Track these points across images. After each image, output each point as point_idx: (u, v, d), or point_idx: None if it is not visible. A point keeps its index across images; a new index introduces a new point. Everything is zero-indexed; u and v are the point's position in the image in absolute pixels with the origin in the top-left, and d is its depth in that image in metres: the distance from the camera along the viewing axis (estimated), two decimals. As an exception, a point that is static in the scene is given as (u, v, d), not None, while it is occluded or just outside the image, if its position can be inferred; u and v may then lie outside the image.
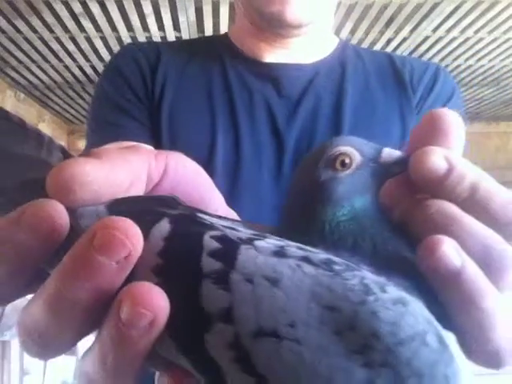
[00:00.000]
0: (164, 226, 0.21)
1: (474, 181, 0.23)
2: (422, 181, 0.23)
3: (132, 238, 0.19)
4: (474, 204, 0.23)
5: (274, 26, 0.65)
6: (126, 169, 0.23)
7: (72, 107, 2.89)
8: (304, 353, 0.18)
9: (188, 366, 0.20)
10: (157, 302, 0.19)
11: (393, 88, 0.70)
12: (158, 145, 0.64)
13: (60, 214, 0.20)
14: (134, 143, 0.24)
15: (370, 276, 0.20)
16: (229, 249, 0.20)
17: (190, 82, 0.69)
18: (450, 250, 0.21)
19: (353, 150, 0.25)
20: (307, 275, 0.20)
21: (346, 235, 0.23)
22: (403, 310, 0.19)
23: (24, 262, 0.21)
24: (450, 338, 0.21)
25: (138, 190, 0.24)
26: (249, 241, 0.21)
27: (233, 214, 0.29)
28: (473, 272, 0.21)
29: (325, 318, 0.19)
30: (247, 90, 0.68)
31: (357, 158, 0.24)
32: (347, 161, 0.24)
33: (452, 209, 0.23)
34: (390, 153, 0.25)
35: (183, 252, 0.21)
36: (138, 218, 0.20)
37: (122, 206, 0.22)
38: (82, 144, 3.34)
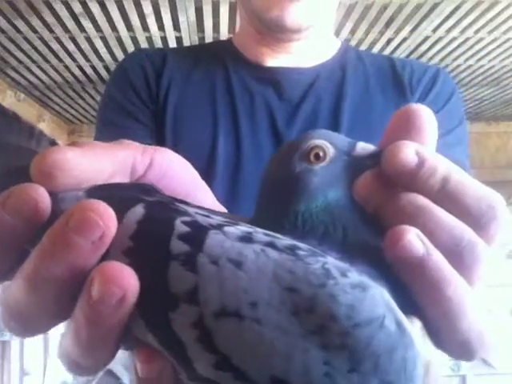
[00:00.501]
0: (138, 211, 0.22)
1: (446, 174, 0.23)
2: (394, 174, 0.24)
3: (106, 219, 0.20)
4: (446, 196, 0.23)
5: (275, 31, 0.67)
6: (108, 158, 0.24)
7: (72, 107, 2.88)
8: (264, 332, 0.19)
9: (155, 343, 0.21)
10: (126, 280, 0.20)
11: (392, 90, 0.71)
12: (161, 146, 0.65)
13: (42, 197, 0.21)
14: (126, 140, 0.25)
15: (332, 261, 0.21)
16: (198, 233, 0.21)
17: (194, 86, 0.70)
18: (413, 239, 0.22)
19: (327, 143, 0.25)
20: (270, 259, 0.21)
21: (318, 225, 0.24)
22: (362, 294, 0.20)
23: (8, 242, 0.22)
24: (413, 324, 0.22)
25: (122, 181, 0.26)
26: (218, 226, 0.22)
27: (222, 210, 0.30)
28: (437, 260, 0.22)
29: (285, 299, 0.20)
30: (249, 93, 0.69)
31: (330, 151, 0.25)
32: (321, 154, 0.25)
33: (422, 201, 0.23)
34: (364, 147, 0.26)
35: (153, 235, 0.22)
36: (115, 203, 0.21)
37: (101, 192, 0.23)
38: (82, 144, 3.33)
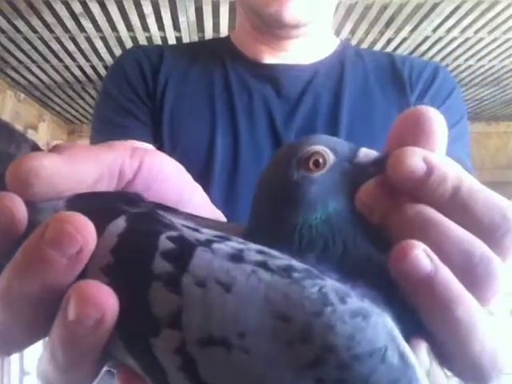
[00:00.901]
0: (120, 223, 0.20)
1: (456, 182, 0.22)
2: (400, 182, 0.22)
3: (84, 233, 0.19)
4: (457, 207, 0.22)
5: (273, 27, 0.66)
6: (90, 164, 0.23)
7: (72, 107, 2.89)
8: (253, 364, 0.18)
9: (136, 367, 0.20)
10: (104, 300, 0.19)
11: (392, 87, 0.71)
12: (159, 145, 0.65)
13: (17, 207, 0.20)
14: (116, 141, 0.25)
15: (331, 284, 0.19)
16: (184, 250, 0.20)
17: (191, 83, 0.70)
18: (420, 255, 0.20)
19: (327, 149, 0.23)
20: (262, 281, 0.19)
21: (317, 239, 0.22)
22: (362, 323, 0.18)
23: None
24: (420, 348, 0.20)
25: (109, 186, 0.24)
26: (207, 243, 0.20)
27: (218, 214, 0.29)
28: (446, 278, 0.20)
29: (277, 328, 0.18)
30: (247, 90, 0.69)
31: (331, 157, 0.23)
32: (321, 160, 0.23)
33: (431, 212, 0.22)
34: (367, 153, 0.24)
35: (135, 251, 0.20)
36: (96, 215, 0.20)
37: (82, 202, 0.21)
38: (81, 144, 3.33)
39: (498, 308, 0.24)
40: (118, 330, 0.19)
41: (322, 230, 0.22)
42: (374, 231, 0.22)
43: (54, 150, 0.22)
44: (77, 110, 2.97)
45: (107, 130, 0.67)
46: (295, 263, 0.20)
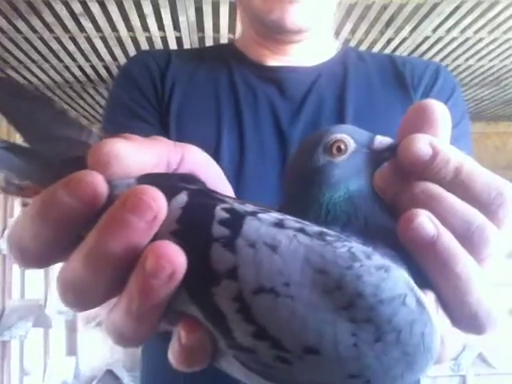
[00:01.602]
0: (182, 198, 0.25)
1: (458, 164, 0.25)
2: (409, 165, 0.26)
3: (158, 202, 0.23)
4: (459, 185, 0.25)
5: (276, 33, 0.68)
6: (151, 151, 0.27)
7: (72, 107, 2.88)
8: (297, 308, 0.22)
9: (199, 314, 0.24)
10: (176, 257, 0.22)
11: (394, 87, 0.71)
12: None
13: (100, 182, 0.23)
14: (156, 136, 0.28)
15: (357, 246, 0.23)
16: (236, 219, 0.24)
17: (197, 86, 0.71)
18: (424, 221, 0.24)
19: (348, 137, 0.28)
20: (302, 244, 0.23)
21: (341, 215, 0.26)
22: (385, 275, 0.22)
23: (67, 223, 0.24)
24: (429, 299, 0.24)
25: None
26: (253, 213, 0.24)
27: None
28: (447, 240, 0.24)
29: (316, 280, 0.22)
30: (252, 91, 0.70)
31: (351, 144, 0.27)
32: (342, 147, 0.27)
33: (436, 189, 0.25)
34: (382, 140, 0.28)
35: (197, 220, 0.24)
36: (163, 190, 0.23)
37: (149, 180, 0.25)
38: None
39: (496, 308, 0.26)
40: (185, 283, 0.23)
41: (345, 206, 0.26)
42: (389, 207, 0.26)
43: (123, 137, 0.26)
44: (77, 110, 2.97)
45: (116, 131, 0.69)
46: (326, 229, 0.24)
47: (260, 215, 0.24)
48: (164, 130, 0.68)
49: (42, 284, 2.79)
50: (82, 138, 0.28)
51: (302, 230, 0.24)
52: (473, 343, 2.92)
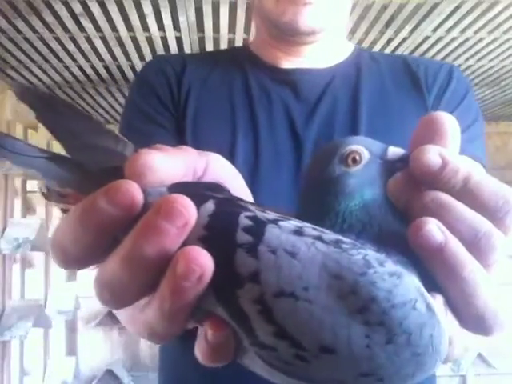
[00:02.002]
0: (209, 206, 0.27)
1: (467, 174, 0.27)
2: (420, 175, 0.27)
3: (189, 210, 0.25)
4: (467, 194, 0.27)
5: (289, 35, 0.69)
6: (180, 161, 0.29)
7: (72, 107, 2.88)
8: (314, 310, 0.24)
9: (224, 314, 0.26)
10: (204, 261, 0.24)
11: (408, 89, 0.72)
12: None
13: (137, 191, 0.26)
14: (182, 146, 0.31)
15: (371, 253, 0.25)
16: (258, 226, 0.26)
17: (212, 89, 0.72)
18: (433, 228, 0.26)
19: (362, 148, 0.29)
20: (319, 251, 0.25)
21: (356, 223, 0.28)
22: (397, 281, 0.24)
23: (106, 228, 0.26)
24: (438, 302, 0.26)
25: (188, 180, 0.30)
26: (274, 221, 0.26)
27: None
28: (454, 247, 0.26)
29: (332, 285, 0.24)
30: (266, 94, 0.71)
31: (366, 155, 0.29)
32: (357, 158, 0.29)
33: (445, 198, 0.27)
34: (395, 151, 0.29)
35: (223, 227, 0.26)
36: (191, 198, 0.25)
37: (179, 189, 0.27)
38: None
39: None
40: (212, 285, 0.25)
41: (360, 215, 0.28)
42: (402, 215, 0.28)
43: (155, 149, 0.28)
44: (77, 110, 2.97)
45: (134, 137, 0.70)
46: (342, 237, 0.26)
47: (280, 223, 0.26)
48: (180, 135, 0.69)
49: (42, 284, 2.79)
50: (117, 149, 0.30)
51: (319, 238, 0.25)
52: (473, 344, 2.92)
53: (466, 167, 0.27)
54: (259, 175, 0.66)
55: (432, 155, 0.27)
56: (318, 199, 0.29)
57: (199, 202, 0.26)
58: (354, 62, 0.74)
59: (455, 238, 0.26)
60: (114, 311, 0.32)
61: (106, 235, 0.26)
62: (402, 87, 0.72)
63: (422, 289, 0.25)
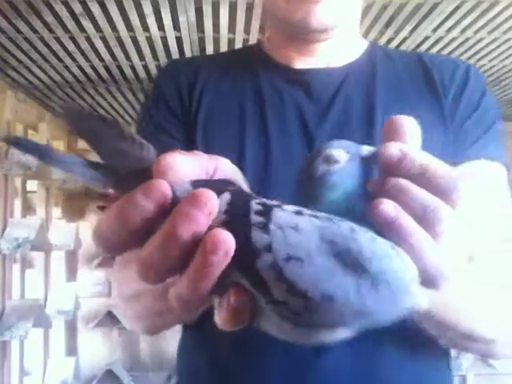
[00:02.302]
0: (226, 196, 0.33)
1: (422, 163, 0.34)
2: (385, 166, 0.34)
3: (213, 201, 0.31)
4: (423, 179, 0.34)
5: (302, 33, 0.69)
6: (196, 163, 0.35)
7: (72, 107, 2.88)
8: (315, 268, 0.31)
9: (245, 282, 0.32)
10: (228, 239, 0.30)
11: (423, 88, 0.72)
12: None
13: (167, 188, 0.32)
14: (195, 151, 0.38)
15: (355, 225, 0.32)
16: (267, 209, 0.33)
17: (223, 93, 0.73)
18: (386, 206, 0.32)
19: (341, 150, 0.37)
20: (315, 224, 0.32)
21: (340, 210, 0.35)
22: (375, 240, 0.32)
23: (143, 219, 0.32)
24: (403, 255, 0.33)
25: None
26: (279, 206, 0.33)
27: None
28: (404, 220, 0.32)
29: (327, 247, 0.31)
30: (278, 95, 0.71)
31: (344, 156, 0.36)
32: (337, 158, 0.36)
33: (404, 183, 0.34)
34: (368, 148, 0.37)
35: (239, 211, 0.33)
36: (212, 191, 0.31)
37: (201, 184, 0.33)
38: (81, 144, 3.33)
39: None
40: (234, 259, 0.31)
41: (342, 204, 0.35)
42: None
43: (175, 153, 0.34)
44: (77, 110, 2.96)
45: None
46: (331, 215, 0.33)
47: (284, 207, 0.33)
48: (191, 141, 0.71)
49: (42, 284, 2.79)
50: (143, 153, 0.36)
51: (314, 216, 0.33)
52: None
53: (422, 158, 0.34)
54: (270, 177, 0.66)
55: (393, 150, 0.34)
56: (308, 193, 0.37)
57: (218, 193, 0.32)
58: (369, 60, 0.74)
59: (405, 213, 0.33)
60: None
61: (142, 226, 0.32)
62: (418, 85, 0.72)
63: (393, 245, 0.32)
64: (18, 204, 2.57)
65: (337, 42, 0.72)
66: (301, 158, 0.66)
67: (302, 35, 0.70)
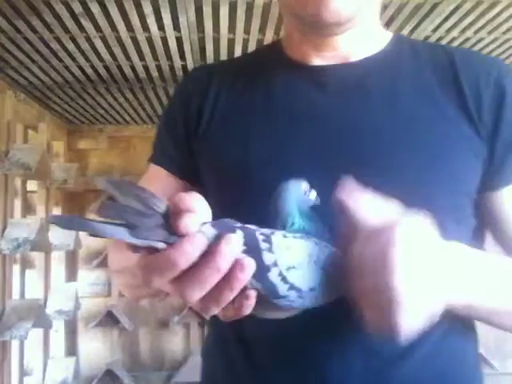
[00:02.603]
0: (240, 233, 0.45)
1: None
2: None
3: (238, 240, 0.44)
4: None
5: (315, 27, 0.67)
6: (203, 204, 0.45)
7: (72, 107, 2.88)
8: (305, 271, 0.48)
9: (261, 288, 0.46)
10: (250, 263, 0.44)
11: (448, 85, 0.68)
12: (207, 166, 0.75)
13: (205, 240, 0.43)
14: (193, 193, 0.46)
15: (317, 240, 0.51)
16: (267, 237, 0.47)
17: (236, 96, 0.74)
18: None
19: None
20: (299, 243, 0.49)
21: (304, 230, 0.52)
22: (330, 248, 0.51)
23: (188, 262, 0.43)
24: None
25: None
26: (272, 233, 0.48)
27: None
28: None
29: (309, 258, 0.49)
30: (290, 93, 0.70)
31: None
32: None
33: None
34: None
35: (252, 242, 0.46)
36: (228, 230, 0.44)
37: (220, 226, 0.45)
38: (81, 144, 3.33)
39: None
40: (252, 275, 0.44)
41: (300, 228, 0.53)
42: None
43: (189, 197, 0.44)
44: (77, 110, 2.97)
45: (155, 154, 0.82)
46: (304, 235, 0.51)
47: (275, 233, 0.48)
48: (201, 151, 0.74)
49: (41, 284, 2.79)
50: (159, 207, 0.43)
51: (295, 237, 0.49)
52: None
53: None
54: (277, 174, 0.66)
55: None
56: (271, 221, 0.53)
57: (233, 231, 0.45)
58: (392, 54, 0.71)
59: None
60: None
61: (187, 266, 0.42)
62: (443, 83, 0.68)
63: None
64: (18, 204, 2.57)
65: (355, 34, 0.69)
66: (313, 159, 0.66)
67: (316, 30, 0.68)
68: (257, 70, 0.75)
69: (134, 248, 0.42)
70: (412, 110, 0.67)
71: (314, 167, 0.64)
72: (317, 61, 0.71)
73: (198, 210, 0.43)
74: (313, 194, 0.54)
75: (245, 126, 0.70)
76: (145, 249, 0.42)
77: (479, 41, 2.03)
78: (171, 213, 0.42)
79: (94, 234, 0.39)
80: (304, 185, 0.54)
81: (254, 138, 0.69)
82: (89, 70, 2.25)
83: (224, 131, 0.72)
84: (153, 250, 0.41)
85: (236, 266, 0.42)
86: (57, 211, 3.03)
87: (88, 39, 1.90)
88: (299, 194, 0.53)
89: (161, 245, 0.41)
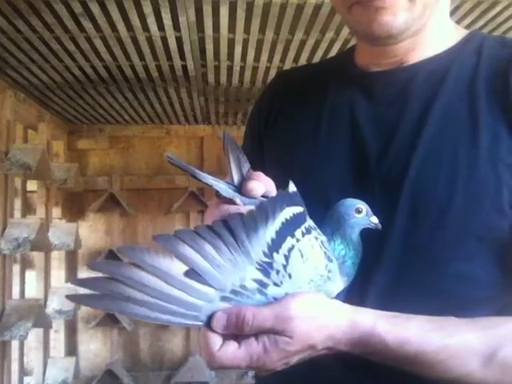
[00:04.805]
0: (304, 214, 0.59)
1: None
2: None
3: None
4: None
5: (370, 40, 0.69)
6: (268, 182, 0.57)
7: (72, 107, 2.88)
8: (306, 265, 0.56)
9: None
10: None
11: (500, 100, 0.63)
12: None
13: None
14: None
15: (329, 247, 0.60)
16: (308, 230, 0.58)
17: (298, 101, 0.80)
18: None
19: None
20: (311, 250, 0.57)
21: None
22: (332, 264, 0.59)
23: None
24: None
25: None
26: (307, 231, 0.57)
27: None
28: None
29: (316, 267, 0.57)
30: (339, 99, 0.74)
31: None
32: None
33: None
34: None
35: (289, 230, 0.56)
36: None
37: (267, 199, 0.58)
38: (81, 144, 3.33)
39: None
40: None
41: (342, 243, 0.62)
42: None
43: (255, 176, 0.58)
44: (77, 110, 2.97)
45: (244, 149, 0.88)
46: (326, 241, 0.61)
47: (312, 232, 0.58)
48: (271, 147, 0.81)
49: (41, 284, 2.79)
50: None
51: (318, 239, 0.58)
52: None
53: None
54: (314, 178, 0.71)
55: None
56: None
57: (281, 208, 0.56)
58: (448, 57, 0.69)
59: None
60: None
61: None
62: (494, 96, 0.63)
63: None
64: (18, 204, 2.57)
65: (415, 40, 0.68)
66: (348, 165, 0.70)
67: (371, 42, 0.70)
68: (319, 81, 0.79)
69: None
70: (446, 123, 0.64)
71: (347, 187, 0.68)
72: (374, 67, 0.73)
73: (263, 181, 0.56)
74: (374, 219, 0.61)
75: (296, 134, 0.77)
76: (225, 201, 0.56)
77: (479, 41, 2.02)
78: (244, 180, 0.57)
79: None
80: (364, 206, 0.61)
81: (299, 149, 0.75)
82: (89, 70, 2.25)
83: (281, 135, 0.79)
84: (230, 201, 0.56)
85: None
86: (57, 211, 3.03)
87: (88, 39, 1.90)
88: (362, 215, 0.60)
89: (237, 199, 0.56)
